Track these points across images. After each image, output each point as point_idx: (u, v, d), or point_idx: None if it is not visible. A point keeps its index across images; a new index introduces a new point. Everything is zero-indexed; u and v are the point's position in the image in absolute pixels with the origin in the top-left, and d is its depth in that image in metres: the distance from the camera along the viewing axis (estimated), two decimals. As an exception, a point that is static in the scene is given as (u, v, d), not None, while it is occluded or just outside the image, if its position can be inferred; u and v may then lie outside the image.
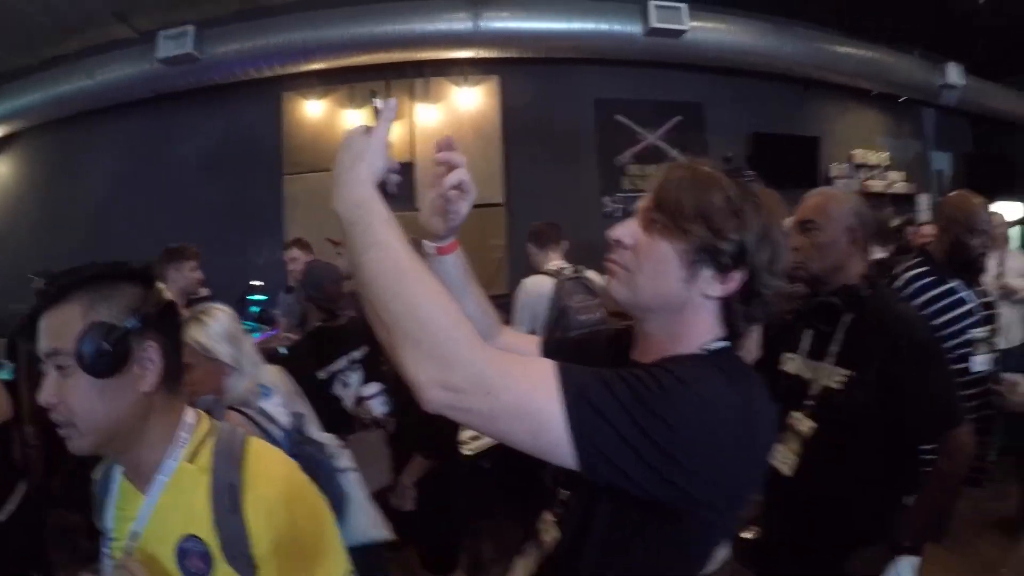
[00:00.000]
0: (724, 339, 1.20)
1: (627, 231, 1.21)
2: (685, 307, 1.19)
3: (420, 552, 3.33)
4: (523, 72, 7.04)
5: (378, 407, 3.26)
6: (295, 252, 5.43)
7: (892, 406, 1.99)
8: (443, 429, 3.04)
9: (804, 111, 8.72)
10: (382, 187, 1.11)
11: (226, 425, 1.41)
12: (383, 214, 1.06)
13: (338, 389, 3.50)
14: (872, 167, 8.95)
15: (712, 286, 1.17)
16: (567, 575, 1.22)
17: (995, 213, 5.06)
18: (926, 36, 8.53)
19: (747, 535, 2.44)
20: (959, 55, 9.00)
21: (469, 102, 7.03)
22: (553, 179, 7.05)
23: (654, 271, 1.18)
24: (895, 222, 6.67)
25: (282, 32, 6.12)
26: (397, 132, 6.78)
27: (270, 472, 1.31)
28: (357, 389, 3.44)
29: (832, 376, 2.09)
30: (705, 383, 1.07)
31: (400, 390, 3.06)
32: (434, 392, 0.98)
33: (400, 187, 1.19)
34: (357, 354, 3.54)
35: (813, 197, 2.21)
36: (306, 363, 3.32)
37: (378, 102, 1.19)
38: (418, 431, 2.99)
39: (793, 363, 2.26)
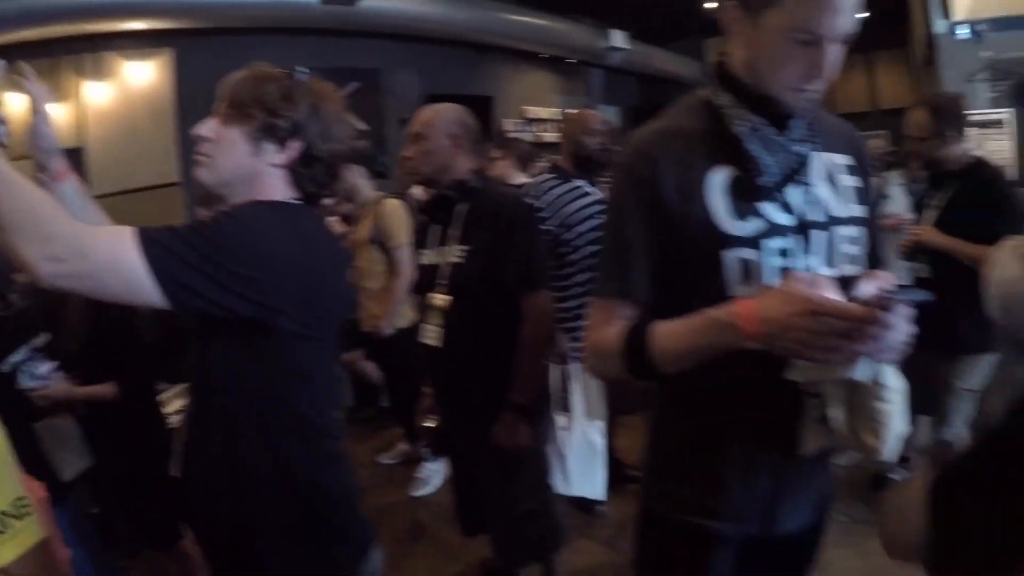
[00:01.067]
0: (297, 200, 1.51)
1: (206, 127, 1.48)
2: (257, 177, 1.48)
3: (142, 528, 3.30)
4: (198, 43, 6.84)
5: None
6: None
7: (495, 271, 2.36)
8: (134, 361, 3.04)
9: (478, 73, 9.38)
10: None
11: None
12: None
13: (25, 381, 3.37)
14: (545, 121, 9.87)
15: (275, 156, 1.47)
16: (205, 420, 1.50)
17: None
18: (594, 6, 9.54)
19: (429, 424, 2.72)
20: (625, 23, 10.21)
21: (142, 77, 6.77)
22: (231, 153, 6.92)
23: (228, 152, 1.46)
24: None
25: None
26: (66, 114, 6.38)
27: None
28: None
29: (454, 253, 2.44)
30: (250, 210, 1.40)
31: (85, 364, 3.03)
32: (43, 266, 1.15)
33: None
34: (39, 341, 3.42)
35: (422, 113, 2.54)
36: (-18, 357, 3.18)
37: None
38: (113, 361, 3.00)
39: (426, 256, 2.58)
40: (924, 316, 1.14)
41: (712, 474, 1.36)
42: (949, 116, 3.03)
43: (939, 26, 6.63)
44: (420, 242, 2.64)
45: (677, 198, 1.25)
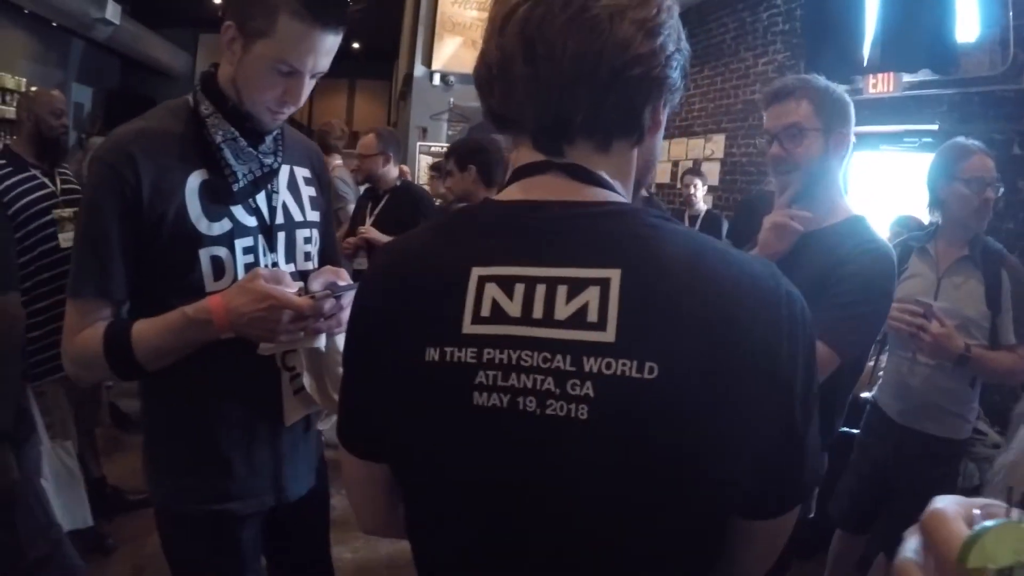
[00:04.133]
0: None
1: None
2: None
3: None
4: None
5: None
6: None
7: None
8: None
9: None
10: None
11: None
12: None
13: None
14: (9, 92, 8.08)
15: None
16: None
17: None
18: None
19: None
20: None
21: None
22: None
23: None
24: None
25: None
26: None
27: None
28: None
29: None
30: None
31: None
32: None
33: None
34: None
35: None
36: None
37: None
38: None
39: None
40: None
41: (215, 458, 1.43)
42: (390, 142, 3.91)
43: (418, 71, 7.81)
44: None
45: (155, 198, 1.30)
